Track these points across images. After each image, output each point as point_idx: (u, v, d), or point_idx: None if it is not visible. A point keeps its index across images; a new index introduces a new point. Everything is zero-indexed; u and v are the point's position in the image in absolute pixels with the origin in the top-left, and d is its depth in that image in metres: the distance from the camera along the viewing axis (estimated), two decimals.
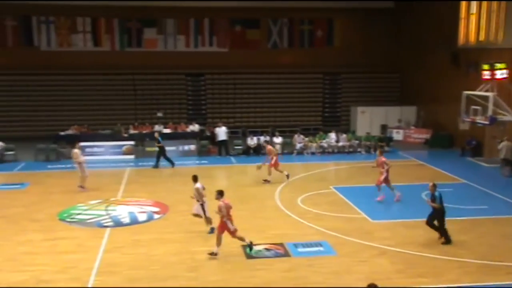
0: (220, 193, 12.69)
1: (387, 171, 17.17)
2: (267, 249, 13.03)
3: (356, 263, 12.17)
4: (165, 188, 19.60)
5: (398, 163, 24.23)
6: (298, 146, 26.65)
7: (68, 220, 15.65)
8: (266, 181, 20.12)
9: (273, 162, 20.20)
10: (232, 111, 32.72)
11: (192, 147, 26.38)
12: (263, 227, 14.82)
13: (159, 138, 23.60)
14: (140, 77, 32.54)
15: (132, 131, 27.82)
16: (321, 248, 13.13)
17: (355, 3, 32.52)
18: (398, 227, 14.70)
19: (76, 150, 19.38)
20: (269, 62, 33.23)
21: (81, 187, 19.03)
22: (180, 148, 26.15)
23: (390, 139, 28.49)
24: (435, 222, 13.44)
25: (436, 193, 13.29)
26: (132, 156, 25.30)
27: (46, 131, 28.59)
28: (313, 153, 26.46)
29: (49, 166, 23.47)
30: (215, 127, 27.31)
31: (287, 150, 26.64)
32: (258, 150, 26.28)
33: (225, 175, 22.54)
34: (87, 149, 24.43)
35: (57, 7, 30.87)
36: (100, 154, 24.98)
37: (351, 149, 26.79)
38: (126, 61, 31.92)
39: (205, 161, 24.83)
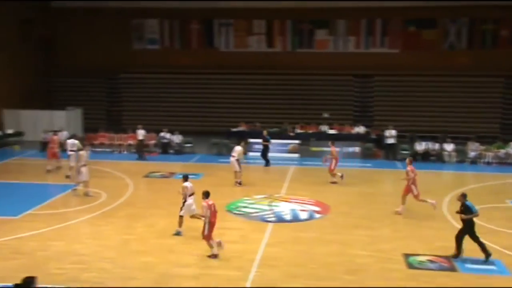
0: (205, 194, 12.62)
1: (413, 181, 15.93)
2: (431, 261, 12.36)
3: None
4: (328, 189, 19.69)
5: None
6: (472, 154, 24.79)
7: (235, 212, 16.57)
8: (334, 182, 20.28)
9: (332, 165, 20.20)
10: (400, 114, 31.56)
11: (357, 149, 26.09)
12: (429, 237, 14.08)
13: (267, 137, 23.90)
14: (308, 77, 33.11)
15: (298, 130, 28.43)
16: (493, 267, 12.04)
17: None
18: None
19: (240, 148, 20.22)
20: (444, 64, 31.40)
21: (238, 183, 19.95)
22: (344, 149, 26.03)
23: None
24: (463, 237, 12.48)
25: (467, 203, 12.21)
26: (297, 155, 25.86)
27: (220, 126, 30.58)
28: (488, 163, 24.40)
29: (220, 160, 25.06)
30: (384, 130, 26.67)
31: (459, 158, 24.93)
32: (426, 156, 25.05)
33: (388, 180, 21.90)
34: (256, 146, 25.63)
35: (236, 11, 32.91)
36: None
37: None
38: (296, 62, 32.77)
39: (369, 164, 24.38)
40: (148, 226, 14.82)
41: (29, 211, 16.18)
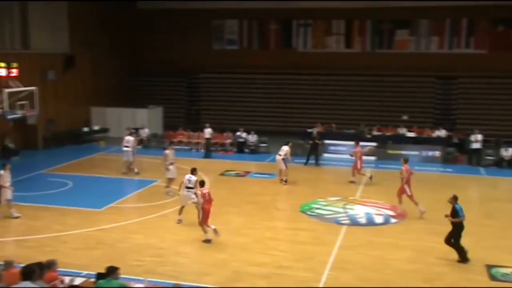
0: (200, 183, 14.07)
1: (407, 181, 15.66)
2: None
3: None
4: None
5: None
6: None
7: (308, 213, 16.50)
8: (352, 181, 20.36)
9: (358, 165, 20.31)
10: (484, 117, 29.97)
11: (437, 153, 25.10)
12: None
13: (317, 136, 23.98)
14: (387, 78, 32.28)
15: (375, 132, 27.83)
16: None
17: None
18: None
19: (287, 148, 20.42)
20: None
21: (285, 181, 20.04)
22: (423, 153, 25.13)
23: None
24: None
25: (457, 206, 12.04)
26: (373, 157, 25.30)
27: (295, 127, 30.51)
28: None
29: (295, 160, 24.96)
30: (468, 134, 25.50)
31: None
32: None
33: (471, 186, 20.90)
34: (331, 147, 25.39)
35: (316, 11, 32.72)
36: (343, 153, 25.57)
37: None
38: (375, 63, 32.03)
39: (450, 170, 23.38)
40: (222, 223, 15.03)
41: (111, 204, 16.99)
